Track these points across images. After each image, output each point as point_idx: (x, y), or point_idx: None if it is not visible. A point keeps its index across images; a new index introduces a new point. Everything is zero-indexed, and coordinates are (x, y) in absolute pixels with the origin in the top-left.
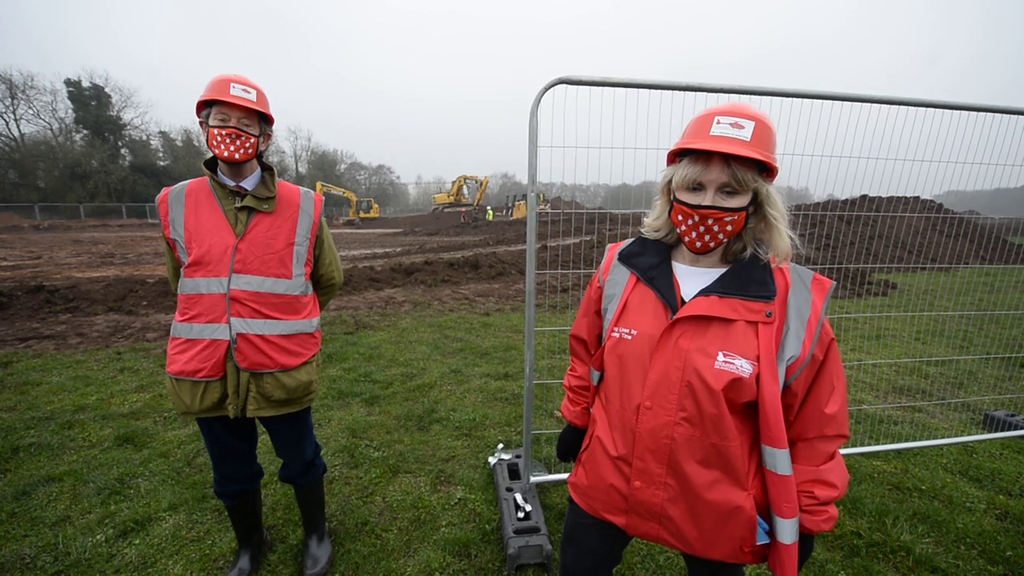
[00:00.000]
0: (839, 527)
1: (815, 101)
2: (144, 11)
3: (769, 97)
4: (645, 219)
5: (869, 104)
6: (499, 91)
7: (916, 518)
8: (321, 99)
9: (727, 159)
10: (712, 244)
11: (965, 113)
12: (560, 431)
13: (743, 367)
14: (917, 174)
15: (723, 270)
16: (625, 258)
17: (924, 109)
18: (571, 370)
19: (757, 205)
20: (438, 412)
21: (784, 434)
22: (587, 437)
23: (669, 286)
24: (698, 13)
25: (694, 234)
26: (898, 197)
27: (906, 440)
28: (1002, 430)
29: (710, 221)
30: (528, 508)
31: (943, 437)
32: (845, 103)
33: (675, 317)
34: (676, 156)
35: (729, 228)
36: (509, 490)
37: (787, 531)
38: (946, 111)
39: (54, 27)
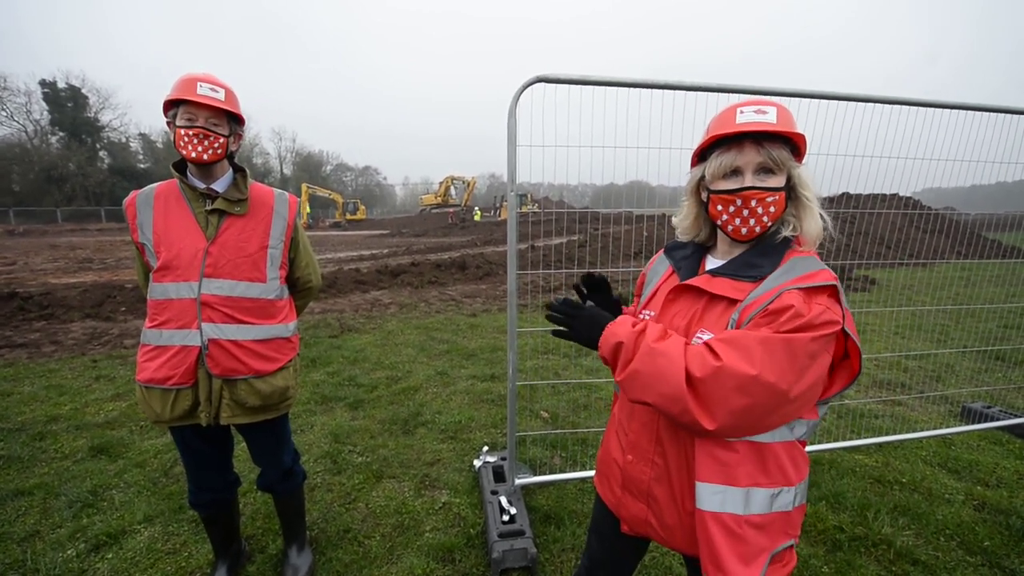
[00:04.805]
0: (822, 521)
1: (796, 100)
2: (140, 14)
3: (751, 96)
4: (674, 219)
5: (847, 102)
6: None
7: (897, 511)
8: (315, 98)
9: (759, 141)
10: (758, 228)
11: (942, 111)
12: (545, 432)
13: None
14: (896, 171)
15: None
16: (668, 251)
17: (903, 107)
18: None
19: (791, 189)
20: (423, 415)
21: None
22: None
23: (692, 273)
24: (698, 13)
25: (738, 220)
26: (877, 194)
27: (887, 434)
28: (979, 422)
29: (753, 203)
30: (513, 511)
31: (923, 430)
32: (823, 101)
33: (665, 291)
34: (700, 157)
35: (772, 209)
36: (494, 493)
37: (705, 495)
38: (925, 109)
39: (49, 31)
